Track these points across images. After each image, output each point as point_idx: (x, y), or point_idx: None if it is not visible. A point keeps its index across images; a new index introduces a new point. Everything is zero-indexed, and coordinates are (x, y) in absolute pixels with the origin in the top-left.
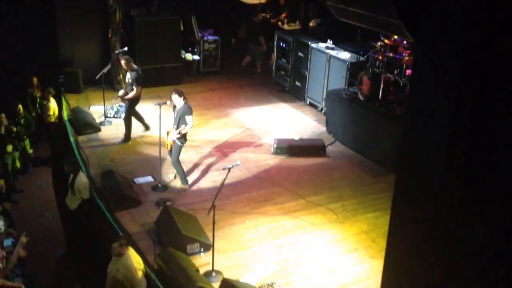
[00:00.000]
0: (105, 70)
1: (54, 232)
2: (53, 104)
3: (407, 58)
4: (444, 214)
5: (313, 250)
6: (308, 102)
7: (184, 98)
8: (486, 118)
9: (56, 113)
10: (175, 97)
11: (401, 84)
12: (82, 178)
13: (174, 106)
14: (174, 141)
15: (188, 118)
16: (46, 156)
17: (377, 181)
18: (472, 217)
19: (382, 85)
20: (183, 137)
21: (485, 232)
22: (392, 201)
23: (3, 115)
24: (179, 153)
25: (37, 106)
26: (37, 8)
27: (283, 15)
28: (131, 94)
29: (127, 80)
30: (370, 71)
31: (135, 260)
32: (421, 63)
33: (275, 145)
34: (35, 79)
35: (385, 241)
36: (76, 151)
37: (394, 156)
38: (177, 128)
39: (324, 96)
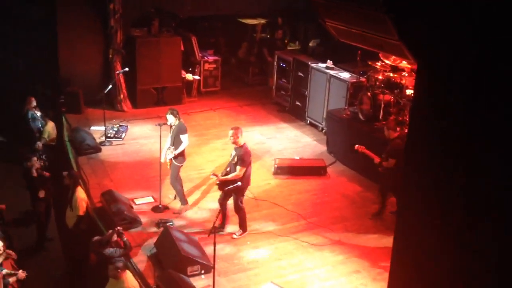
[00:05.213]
0: (106, 91)
1: (53, 253)
2: (49, 127)
3: (407, 78)
4: (449, 238)
5: (315, 272)
6: (308, 122)
7: (179, 117)
8: (490, 141)
9: (52, 136)
10: (170, 117)
11: (402, 104)
12: (79, 193)
13: (171, 126)
14: (171, 161)
15: (183, 136)
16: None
17: (379, 201)
18: (477, 244)
19: (382, 105)
20: (181, 157)
21: (491, 261)
22: (396, 223)
23: (35, 158)
24: (178, 173)
25: (40, 125)
26: (37, 28)
27: (280, 32)
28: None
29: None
30: (370, 91)
31: (131, 284)
32: (423, 84)
33: (275, 165)
34: (33, 100)
35: (388, 263)
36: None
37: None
38: (173, 147)
39: (325, 116)
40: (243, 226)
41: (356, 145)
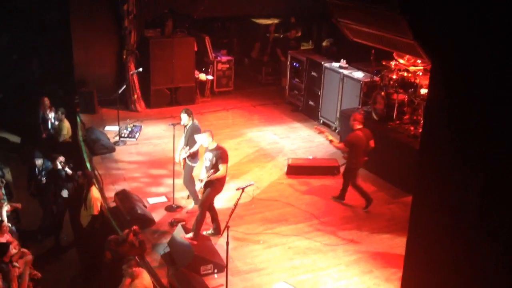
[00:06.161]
0: (120, 91)
1: (67, 254)
2: (66, 124)
3: (421, 77)
4: (463, 238)
5: (328, 271)
6: (321, 122)
7: (192, 118)
8: (505, 140)
9: (70, 133)
10: (184, 116)
11: (416, 103)
12: (93, 193)
13: (185, 126)
14: (185, 160)
15: (197, 136)
16: None
17: (392, 202)
18: (490, 243)
19: (396, 105)
20: (194, 157)
21: (503, 260)
22: (409, 223)
23: (61, 157)
24: (191, 172)
25: (50, 127)
26: (53, 29)
27: (293, 32)
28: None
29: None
30: (384, 90)
31: (146, 283)
32: (437, 84)
33: (288, 165)
34: (46, 100)
35: (401, 263)
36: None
37: (410, 177)
38: (187, 147)
39: (338, 115)
40: (197, 230)
41: (316, 126)
